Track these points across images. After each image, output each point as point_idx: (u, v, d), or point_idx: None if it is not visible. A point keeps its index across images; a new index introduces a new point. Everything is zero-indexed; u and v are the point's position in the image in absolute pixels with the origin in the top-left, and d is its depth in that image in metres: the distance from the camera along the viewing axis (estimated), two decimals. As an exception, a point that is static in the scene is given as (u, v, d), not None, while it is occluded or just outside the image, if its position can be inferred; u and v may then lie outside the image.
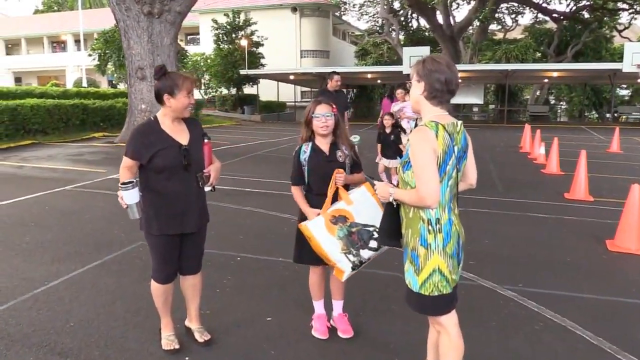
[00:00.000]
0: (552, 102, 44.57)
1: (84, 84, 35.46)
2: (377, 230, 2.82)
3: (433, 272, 2.26)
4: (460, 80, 2.43)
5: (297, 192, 3.17)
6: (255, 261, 5.12)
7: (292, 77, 32.64)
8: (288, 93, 35.85)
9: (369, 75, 32.37)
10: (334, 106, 3.19)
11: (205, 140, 3.09)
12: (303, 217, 3.17)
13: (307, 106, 3.19)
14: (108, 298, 4.23)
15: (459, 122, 2.33)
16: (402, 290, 2.54)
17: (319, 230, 2.91)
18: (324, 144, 3.13)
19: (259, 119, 31.43)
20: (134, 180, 2.85)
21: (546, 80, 34.20)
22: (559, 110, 41.55)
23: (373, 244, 2.92)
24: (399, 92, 9.15)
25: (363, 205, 2.93)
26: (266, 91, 35.15)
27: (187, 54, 32.15)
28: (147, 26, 14.21)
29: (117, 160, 11.51)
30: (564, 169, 11.12)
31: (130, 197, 2.81)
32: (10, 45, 52.93)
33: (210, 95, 35.70)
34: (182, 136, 3.03)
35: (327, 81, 8.51)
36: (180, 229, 3.07)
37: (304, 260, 3.30)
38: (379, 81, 36.09)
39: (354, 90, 39.80)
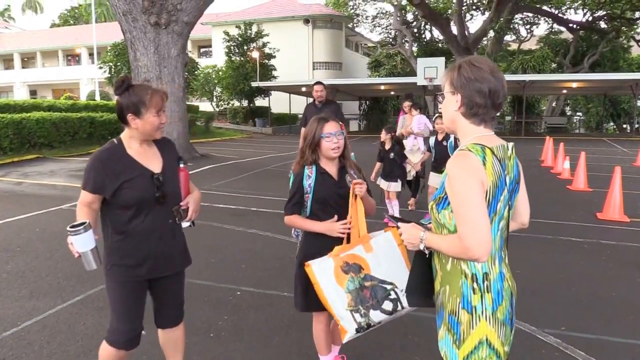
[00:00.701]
0: (569, 113, 43.72)
1: (97, 96, 35.34)
2: (395, 289, 2.46)
3: (479, 344, 1.79)
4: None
5: (295, 218, 2.75)
6: (258, 297, 4.54)
7: (304, 89, 32.28)
8: (300, 105, 35.37)
9: (382, 87, 32.03)
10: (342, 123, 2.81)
11: (181, 166, 2.58)
12: (308, 254, 2.70)
13: (308, 125, 2.79)
14: (84, 344, 3.63)
15: (510, 145, 1.87)
16: (426, 338, 1.92)
17: (326, 276, 2.46)
18: (331, 167, 2.77)
19: (271, 131, 31.12)
20: (86, 222, 2.27)
21: (564, 91, 33.46)
22: (576, 122, 40.71)
23: (388, 305, 2.44)
24: (405, 105, 8.43)
25: (384, 256, 2.51)
26: (278, 103, 34.99)
27: (198, 65, 32.00)
28: (154, 37, 13.88)
29: None
30: (591, 185, 10.42)
31: (82, 243, 2.23)
32: (25, 59, 53.27)
33: (221, 108, 35.53)
34: (153, 162, 2.49)
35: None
36: (150, 274, 2.53)
37: (311, 306, 2.80)
38: (392, 93, 35.73)
39: (367, 102, 39.36)
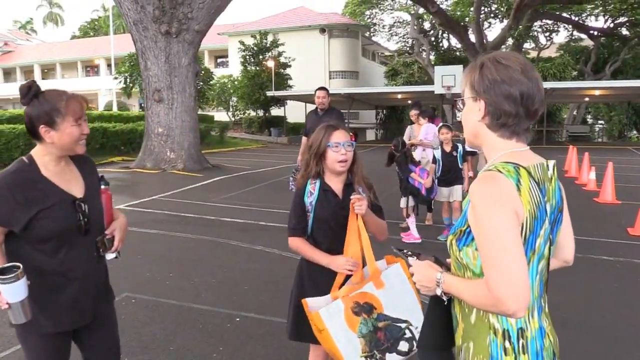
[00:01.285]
0: (590, 121, 42.86)
1: (114, 107, 35.54)
2: (410, 326, 2.24)
3: (512, 417, 1.45)
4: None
5: (300, 243, 2.49)
6: (259, 324, 4.16)
7: None
8: None
9: (399, 96, 31.72)
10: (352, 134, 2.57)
11: (102, 187, 2.20)
12: (305, 289, 2.47)
13: (315, 133, 2.56)
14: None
15: (551, 164, 1.57)
16: None
17: (336, 322, 2.21)
18: (336, 184, 2.51)
19: (286, 141, 30.93)
20: (19, 267, 1.85)
21: (586, 99, 32.75)
22: (598, 130, 39.89)
23: (403, 346, 2.22)
24: (413, 114, 7.91)
25: (396, 291, 2.30)
26: (294, 113, 34.86)
27: (214, 75, 32.01)
28: (165, 46, 13.77)
29: (127, 188, 10.78)
30: (620, 197, 9.86)
31: (13, 292, 1.82)
32: (45, 70, 53.98)
33: (237, 117, 35.51)
34: (74, 185, 2.11)
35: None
36: (78, 322, 2.13)
37: (304, 336, 2.51)
38: (409, 102, 35.14)
39: (384, 111, 39.07)
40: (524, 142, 1.54)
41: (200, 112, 34.34)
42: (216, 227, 7.62)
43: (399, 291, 2.29)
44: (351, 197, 2.36)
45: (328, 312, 2.22)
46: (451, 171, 6.60)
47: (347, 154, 2.45)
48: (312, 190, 2.50)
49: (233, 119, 35.72)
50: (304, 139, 6.96)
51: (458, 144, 6.73)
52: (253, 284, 5.09)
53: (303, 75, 37.14)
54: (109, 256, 2.20)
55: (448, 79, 24.63)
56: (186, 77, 14.28)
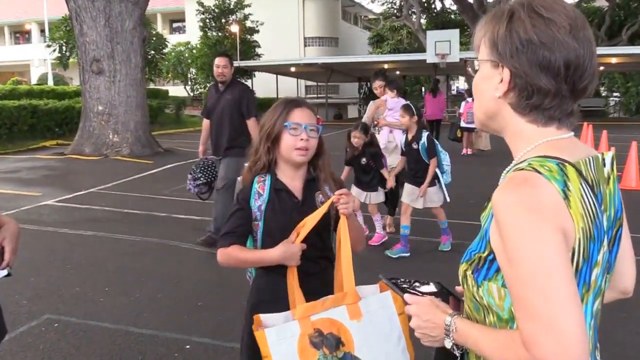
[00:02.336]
0: (604, 94, 43.45)
1: (50, 81, 34.69)
2: None
3: None
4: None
5: (234, 251, 2.30)
6: (214, 352, 3.91)
7: (293, 69, 32.39)
8: (289, 88, 35.47)
9: (386, 66, 31.77)
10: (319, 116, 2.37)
11: None
12: (261, 304, 2.29)
13: (271, 109, 2.42)
14: None
15: (608, 156, 1.40)
16: None
17: (285, 350, 2.00)
18: (293, 180, 2.39)
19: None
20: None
21: (601, 68, 33.03)
22: (612, 104, 40.52)
23: None
24: (377, 85, 7.18)
25: (377, 329, 2.06)
26: (263, 86, 34.70)
27: (168, 43, 31.64)
28: (104, 6, 13.71)
29: (59, 179, 10.41)
30: (646, 182, 9.82)
31: None
32: (-35, 37, 52.59)
33: (196, 92, 35.26)
34: None
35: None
36: None
37: None
38: (397, 72, 35.38)
39: (368, 84, 39.07)
40: (568, 128, 1.33)
41: (150, 86, 34.07)
42: (167, 226, 7.47)
43: (382, 330, 2.08)
44: (335, 192, 2.21)
45: (277, 335, 2.02)
46: (414, 166, 6.06)
47: (309, 141, 2.30)
48: (261, 191, 2.34)
49: (192, 94, 35.52)
50: (204, 122, 6.56)
51: (423, 133, 6.03)
52: (209, 299, 4.93)
53: (273, 42, 37.12)
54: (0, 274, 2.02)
55: (442, 45, 24.66)
56: (131, 43, 14.06)
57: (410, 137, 6.04)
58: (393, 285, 1.57)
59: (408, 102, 6.70)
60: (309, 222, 2.21)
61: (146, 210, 8.34)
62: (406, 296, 1.48)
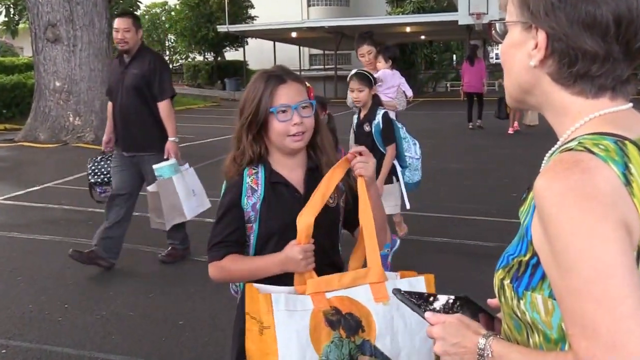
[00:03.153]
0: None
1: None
2: None
3: None
4: None
5: (230, 262, 2.38)
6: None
7: (295, 34, 32.55)
8: (290, 58, 35.33)
9: (408, 29, 32.18)
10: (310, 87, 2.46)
11: None
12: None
13: (248, 87, 2.47)
14: None
15: None
16: None
17: (294, 324, 2.09)
18: (291, 170, 2.47)
19: (247, 97, 31.05)
20: None
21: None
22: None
23: None
24: (363, 51, 6.75)
25: (403, 316, 2.17)
26: (258, 56, 34.94)
27: (140, 3, 31.81)
28: None
29: (8, 172, 10.52)
30: None
31: None
32: None
33: (176, 64, 35.37)
34: None
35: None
36: None
37: None
38: (422, 37, 35.59)
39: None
40: (625, 98, 1.34)
41: (120, 57, 34.12)
42: (142, 228, 7.37)
43: (408, 321, 2.17)
44: (350, 150, 2.29)
45: (286, 304, 2.09)
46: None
47: (303, 122, 2.35)
48: (254, 185, 2.39)
49: (171, 67, 35.57)
50: (109, 105, 6.29)
51: (378, 111, 5.72)
52: (192, 316, 4.99)
53: (270, 2, 37.00)
54: None
55: (478, 3, 24.58)
56: (94, 4, 14.13)
57: (362, 116, 5.72)
58: (409, 302, 1.57)
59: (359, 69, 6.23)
60: (315, 200, 2.22)
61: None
62: (428, 315, 1.48)
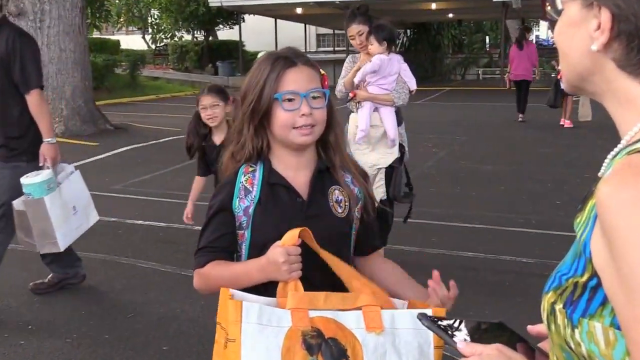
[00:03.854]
0: None
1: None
2: None
3: None
4: None
5: (213, 269, 2.40)
6: None
7: (300, 10, 32.59)
8: (294, 38, 35.31)
9: (433, 6, 32.02)
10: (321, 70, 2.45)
11: None
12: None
13: (256, 66, 2.43)
14: None
15: None
16: None
17: (265, 341, 2.12)
18: (296, 170, 2.46)
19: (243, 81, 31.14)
20: None
21: None
22: None
23: None
24: (354, 31, 6.40)
25: (399, 351, 2.19)
26: (256, 36, 35.13)
27: None
28: None
29: None
30: None
31: None
32: None
33: (160, 44, 35.41)
34: None
35: None
36: None
37: None
38: (450, 15, 35.60)
39: (408, 32, 39.20)
40: None
41: (95, 34, 34.20)
42: (119, 235, 7.54)
43: (405, 358, 2.18)
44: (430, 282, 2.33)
45: (259, 316, 2.11)
46: None
47: (313, 113, 2.32)
48: (249, 186, 2.39)
49: (153, 47, 35.70)
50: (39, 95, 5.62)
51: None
52: (179, 341, 5.02)
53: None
54: None
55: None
56: None
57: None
58: (438, 329, 1.57)
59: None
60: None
61: (88, 214, 8.33)
62: (461, 345, 1.48)
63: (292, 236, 2.21)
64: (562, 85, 1.61)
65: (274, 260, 2.19)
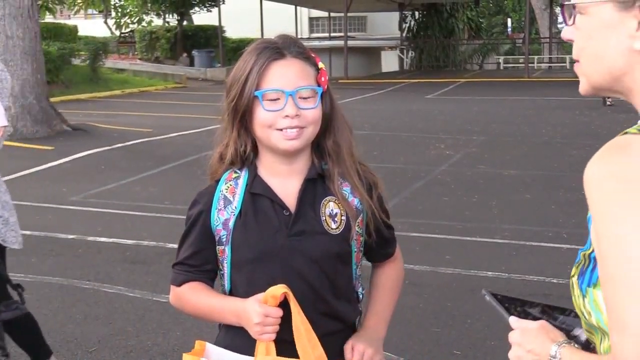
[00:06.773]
0: None
1: None
2: None
3: None
4: None
5: (191, 292, 2.45)
6: None
7: None
8: (283, 21, 35.11)
9: None
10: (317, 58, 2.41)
11: None
12: None
13: (242, 57, 2.41)
14: None
15: None
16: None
17: None
18: (286, 178, 2.43)
19: (224, 74, 30.80)
20: None
21: None
22: None
23: None
24: None
25: None
26: (238, 20, 35.14)
27: None
28: None
29: None
30: None
31: None
32: None
33: (125, 31, 35.47)
34: None
35: None
36: None
37: None
38: None
39: (416, 14, 39.30)
40: None
41: (48, 19, 34.18)
42: (78, 256, 7.57)
43: None
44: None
45: None
46: None
47: (301, 115, 2.28)
48: (230, 195, 2.38)
49: (118, 34, 35.76)
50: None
51: None
52: None
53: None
54: None
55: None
56: None
57: None
58: (497, 304, 1.83)
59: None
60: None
61: (41, 230, 8.37)
62: (512, 319, 1.71)
63: (273, 295, 2.20)
64: (580, 88, 1.68)
65: (248, 315, 2.21)
